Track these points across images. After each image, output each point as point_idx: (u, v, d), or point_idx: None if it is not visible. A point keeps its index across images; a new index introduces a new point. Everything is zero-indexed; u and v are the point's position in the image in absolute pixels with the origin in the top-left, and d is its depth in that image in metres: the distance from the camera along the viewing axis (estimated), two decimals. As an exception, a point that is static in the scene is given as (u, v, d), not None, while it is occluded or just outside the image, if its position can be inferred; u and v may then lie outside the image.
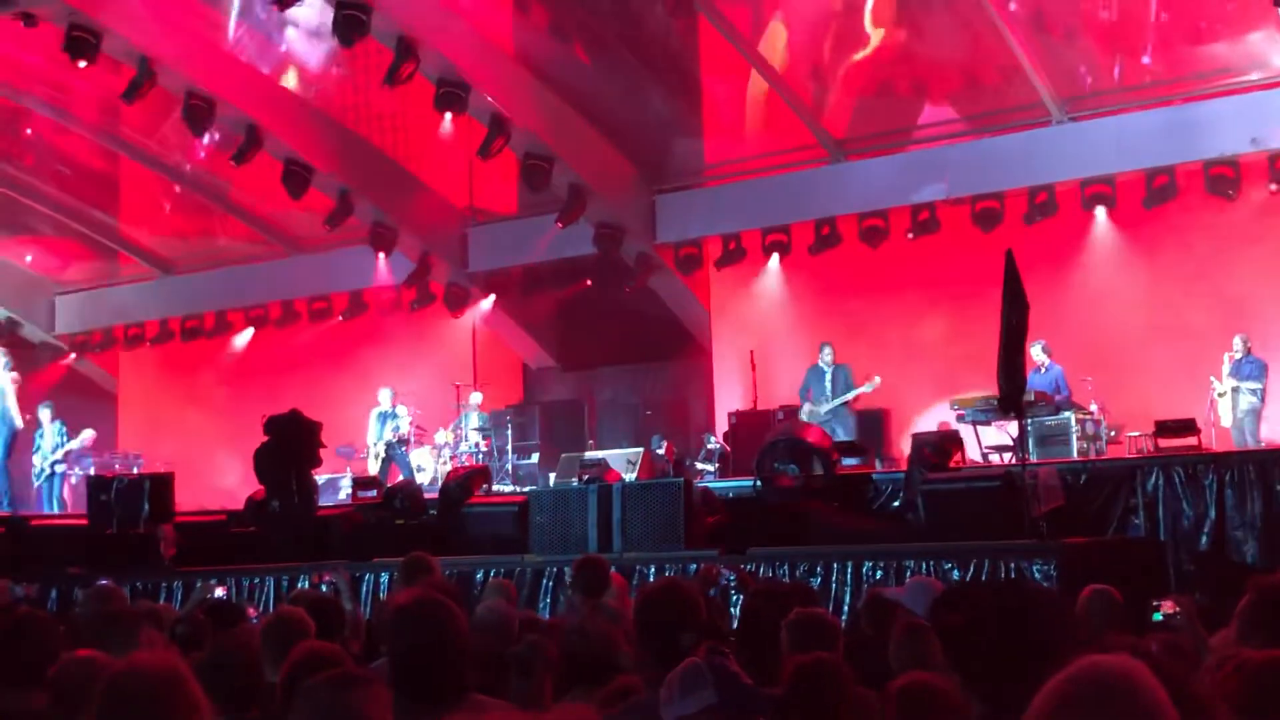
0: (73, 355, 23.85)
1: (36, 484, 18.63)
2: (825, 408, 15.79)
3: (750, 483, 12.03)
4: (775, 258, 17.75)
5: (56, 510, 17.92)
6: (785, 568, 9.63)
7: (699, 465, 17.01)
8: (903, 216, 16.52)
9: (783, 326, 17.93)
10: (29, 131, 19.32)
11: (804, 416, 15.42)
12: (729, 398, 17.88)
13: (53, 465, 18.55)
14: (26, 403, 19.93)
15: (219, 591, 8.20)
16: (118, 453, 21.01)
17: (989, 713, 2.57)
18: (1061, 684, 1.91)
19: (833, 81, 16.50)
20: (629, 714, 3.96)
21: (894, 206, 16.56)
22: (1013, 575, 8.28)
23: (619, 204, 17.84)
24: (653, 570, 9.94)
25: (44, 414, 18.88)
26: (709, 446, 17.46)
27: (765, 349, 17.34)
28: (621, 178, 17.91)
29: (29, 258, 22.58)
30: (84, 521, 14.03)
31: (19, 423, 16.76)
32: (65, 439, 18.64)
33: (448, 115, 16.44)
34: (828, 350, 16.00)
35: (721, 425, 17.41)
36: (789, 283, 17.93)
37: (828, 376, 15.96)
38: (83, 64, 15.43)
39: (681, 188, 18.24)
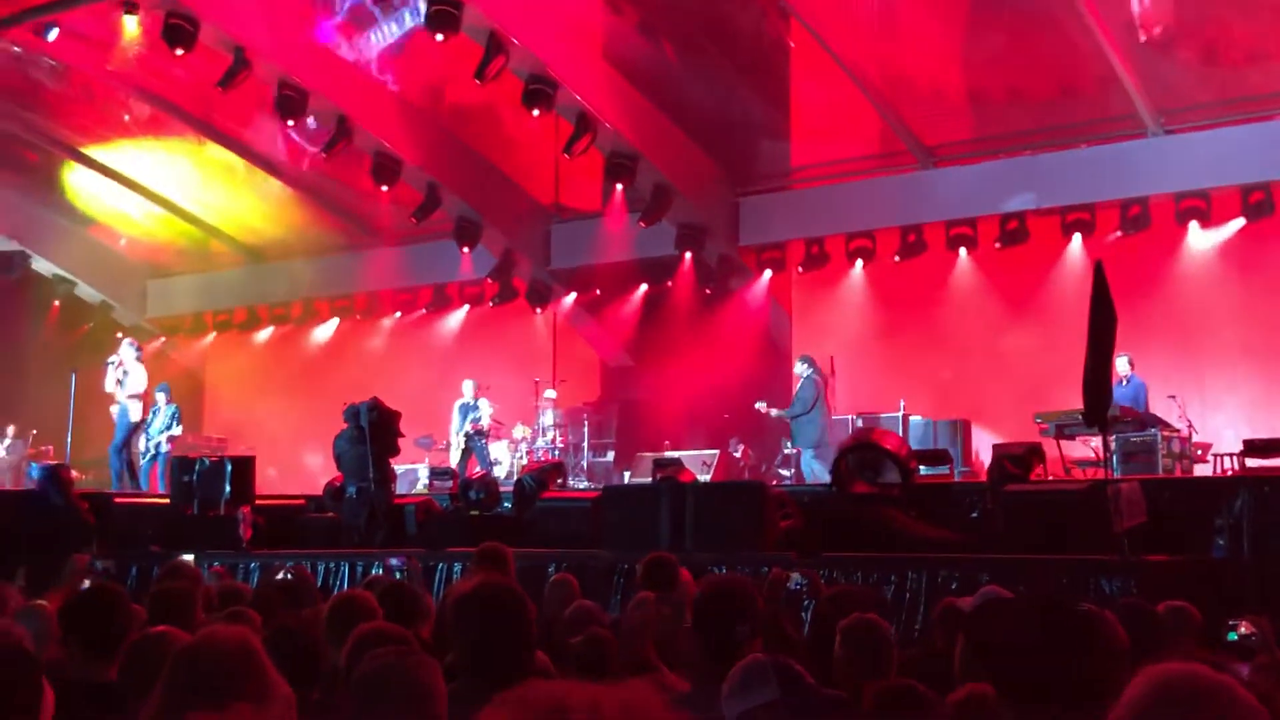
0: (162, 339, 24.33)
1: (142, 462, 19.00)
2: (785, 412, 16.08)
3: (827, 488, 11.93)
4: (859, 263, 17.62)
5: (160, 490, 18.23)
6: (859, 574, 9.51)
7: (776, 470, 16.91)
8: (991, 225, 16.32)
9: (865, 333, 17.78)
10: (126, 118, 19.67)
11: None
12: (808, 403, 17.73)
13: (157, 446, 18.90)
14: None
15: (285, 574, 8.29)
16: (203, 436, 21.35)
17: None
18: (1157, 686, 1.84)
19: (923, 87, 16.32)
20: (685, 703, 3.94)
21: (982, 215, 16.38)
22: (1091, 591, 8.10)
23: (703, 205, 17.81)
24: (724, 570, 9.87)
25: (160, 396, 19.23)
26: (786, 451, 17.36)
27: (846, 355, 17.21)
28: (706, 179, 17.87)
29: (123, 242, 23.03)
30: (166, 501, 14.28)
31: (135, 416, 16.87)
32: (176, 423, 18.95)
33: (535, 112, 16.51)
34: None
35: (799, 430, 17.27)
36: (872, 289, 17.78)
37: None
38: (180, 51, 15.71)
39: (766, 190, 18.16)
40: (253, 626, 4.74)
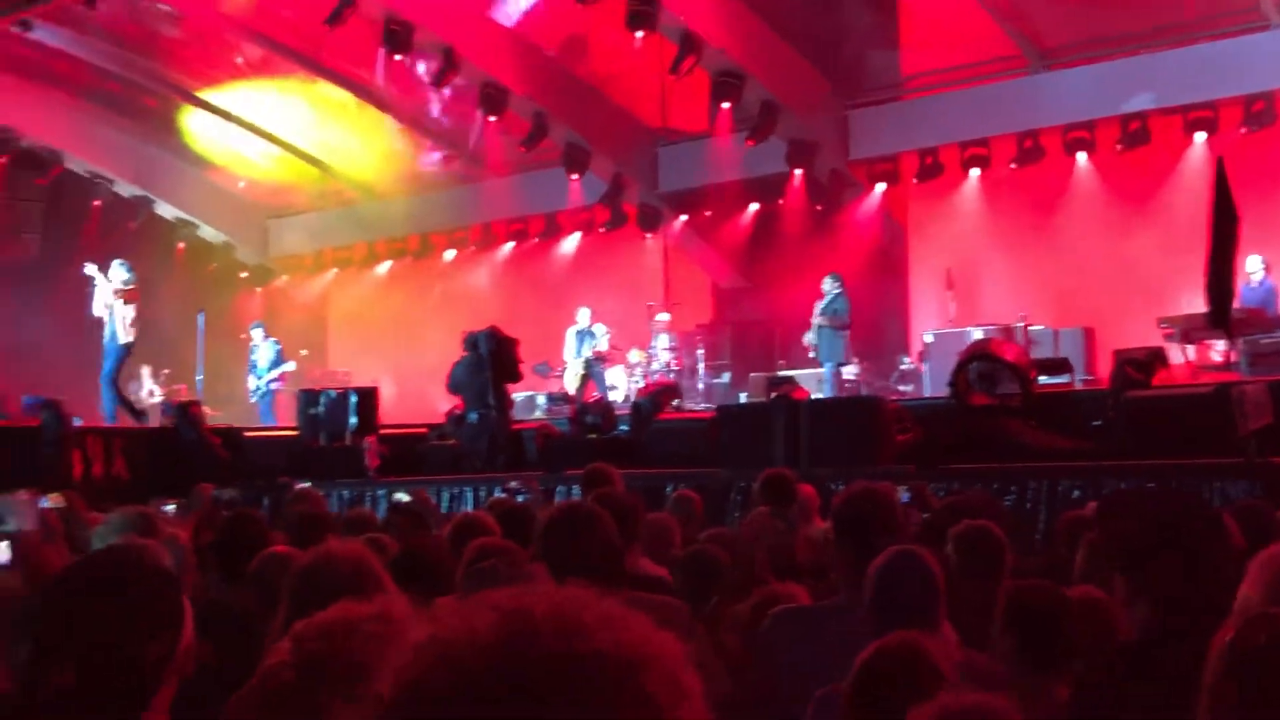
0: (284, 277, 24.89)
1: (252, 401, 19.57)
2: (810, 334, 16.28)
3: (945, 401, 11.82)
4: (974, 172, 17.28)
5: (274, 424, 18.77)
6: (978, 486, 9.43)
7: (893, 385, 16.79)
8: (1110, 128, 15.86)
9: (982, 243, 17.48)
10: (239, 61, 19.99)
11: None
12: (925, 317, 17.57)
13: (269, 384, 19.45)
14: (241, 323, 20.96)
15: (404, 496, 8.50)
16: (326, 369, 21.88)
17: (1153, 615, 2.50)
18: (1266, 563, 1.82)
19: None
20: (833, 613, 3.99)
21: (1101, 117, 15.91)
22: (1214, 495, 7.94)
23: (812, 120, 17.57)
24: (842, 486, 9.86)
25: (256, 334, 19.74)
26: (903, 367, 17.22)
27: (963, 266, 16.95)
28: (814, 93, 17.61)
29: (241, 184, 23.51)
30: (294, 433, 14.69)
31: (126, 338, 15.34)
32: (279, 358, 19.48)
33: (639, 34, 16.39)
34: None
35: (917, 344, 17.14)
36: (989, 198, 17.44)
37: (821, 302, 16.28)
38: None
39: (876, 102, 17.84)
40: (385, 550, 4.89)
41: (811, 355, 16.57)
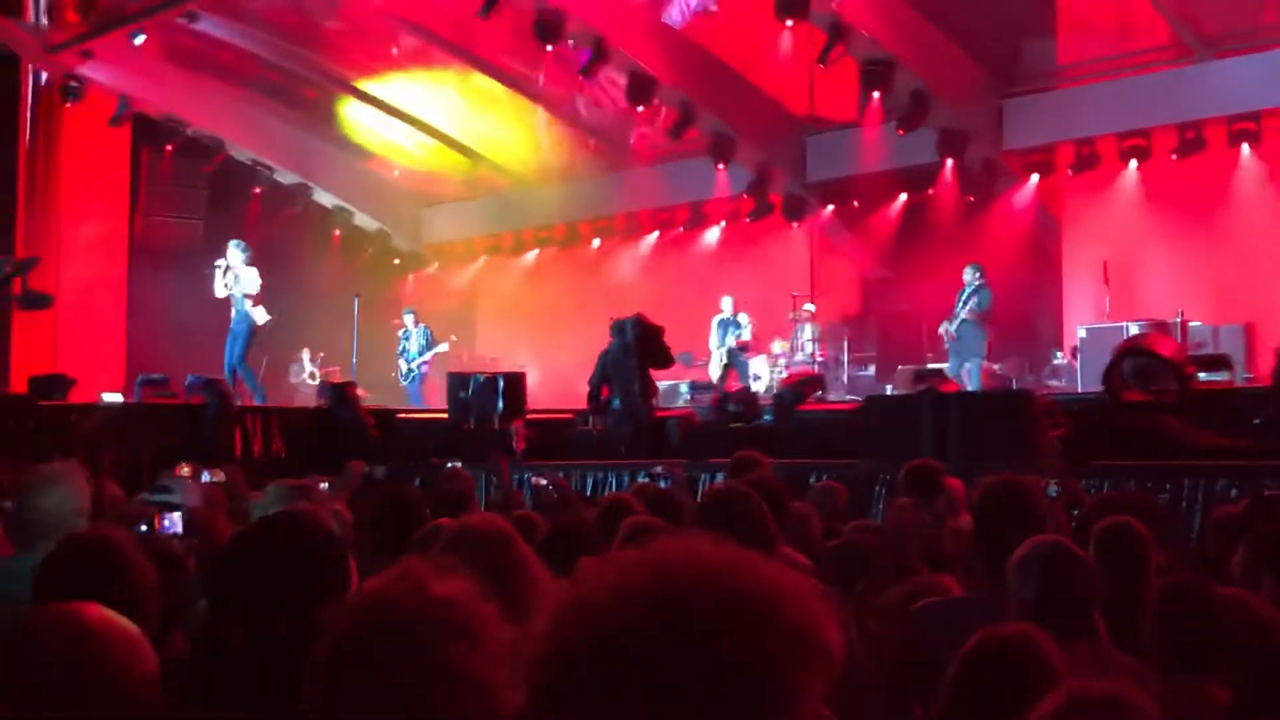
0: (435, 264, 25.41)
1: (403, 384, 20.07)
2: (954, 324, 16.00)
3: (1099, 397, 11.55)
4: (1133, 164, 16.82)
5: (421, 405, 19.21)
6: (1132, 484, 9.21)
7: (1044, 380, 16.46)
8: (1277, 119, 15.28)
9: (1140, 236, 17.00)
10: (395, 51, 20.43)
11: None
12: (1079, 311, 17.17)
13: (419, 367, 19.93)
14: (395, 309, 21.49)
15: (542, 480, 8.64)
16: (475, 355, 22.30)
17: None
18: None
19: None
20: (970, 607, 3.96)
21: (1268, 108, 15.35)
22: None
23: (964, 109, 17.27)
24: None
25: (408, 319, 20.23)
26: (1055, 361, 16.87)
27: (1120, 260, 16.52)
28: (967, 82, 17.31)
29: (396, 172, 24.04)
30: (445, 416, 15.01)
31: (259, 319, 15.67)
32: (429, 341, 19.93)
33: (788, 23, 16.31)
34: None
35: (1070, 339, 16.76)
36: (1147, 190, 16.95)
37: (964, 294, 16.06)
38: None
39: (1031, 91, 17.46)
40: (534, 529, 5.00)
41: (947, 346, 16.37)
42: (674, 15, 18.30)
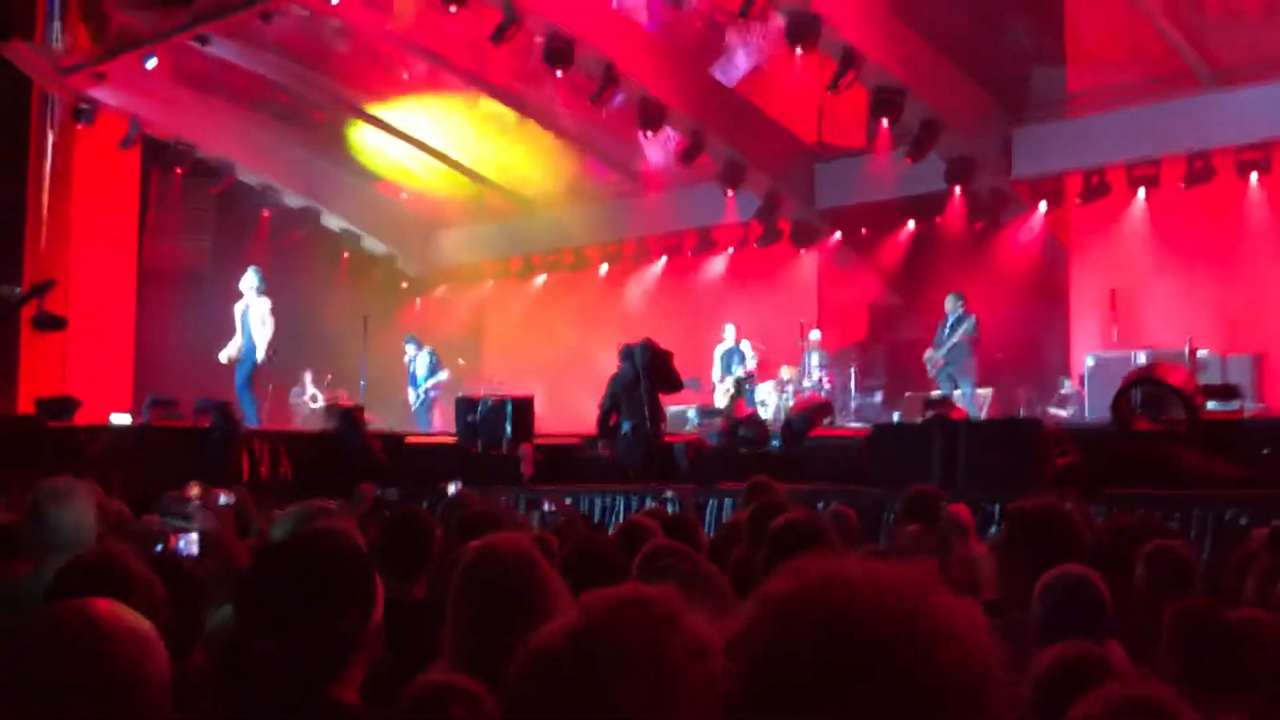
0: (442, 288, 25.44)
1: (413, 409, 20.10)
2: (942, 351, 16.21)
3: (1107, 425, 11.55)
4: (1141, 193, 16.84)
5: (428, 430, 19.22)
6: (1141, 512, 9.19)
7: (1051, 409, 16.44)
8: (1286, 148, 15.32)
9: (1148, 265, 16.99)
10: (405, 76, 20.52)
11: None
12: (1086, 339, 17.17)
13: (426, 393, 19.96)
14: (402, 332, 21.52)
15: (548, 506, 8.66)
16: (482, 379, 22.32)
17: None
18: None
19: (1210, 2, 15.38)
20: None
21: (1277, 137, 15.38)
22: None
23: (973, 137, 17.31)
24: (998, 508, 9.71)
25: (409, 347, 20.29)
26: (1063, 390, 16.86)
27: (1128, 289, 16.53)
28: (976, 110, 17.36)
29: (404, 196, 24.10)
30: (453, 440, 15.02)
31: (261, 356, 15.87)
32: (435, 366, 19.95)
33: (798, 50, 16.37)
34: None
35: (1078, 367, 16.76)
36: (1156, 219, 16.96)
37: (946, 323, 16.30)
38: (454, 9, 16.31)
39: (1040, 120, 17.50)
40: (551, 548, 4.99)
41: (932, 375, 16.46)
42: (729, 74, 18.43)
